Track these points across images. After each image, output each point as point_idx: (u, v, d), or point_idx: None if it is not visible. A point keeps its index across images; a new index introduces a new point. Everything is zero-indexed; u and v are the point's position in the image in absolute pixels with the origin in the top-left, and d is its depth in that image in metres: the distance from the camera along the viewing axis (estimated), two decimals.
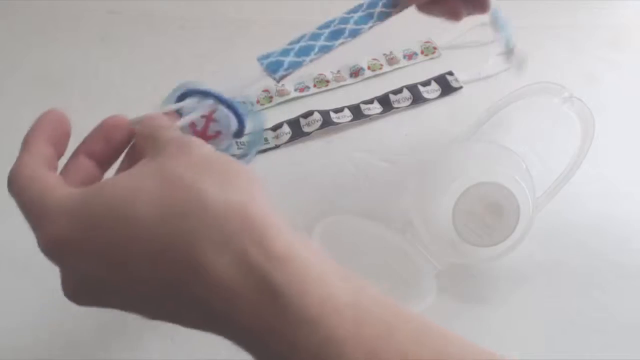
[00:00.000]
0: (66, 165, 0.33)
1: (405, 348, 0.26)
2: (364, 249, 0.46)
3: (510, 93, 0.48)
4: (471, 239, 0.44)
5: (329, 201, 0.52)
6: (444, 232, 0.45)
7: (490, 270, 0.47)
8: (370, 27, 0.38)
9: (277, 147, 0.57)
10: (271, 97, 0.60)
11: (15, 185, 0.30)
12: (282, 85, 0.61)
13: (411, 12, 0.68)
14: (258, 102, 0.60)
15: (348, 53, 0.64)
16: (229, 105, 0.36)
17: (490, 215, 0.44)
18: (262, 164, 0.56)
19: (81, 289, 0.30)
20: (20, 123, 0.59)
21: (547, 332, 0.45)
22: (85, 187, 0.29)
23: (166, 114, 0.35)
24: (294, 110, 0.59)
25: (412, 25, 0.67)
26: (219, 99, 0.36)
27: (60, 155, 0.33)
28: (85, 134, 0.61)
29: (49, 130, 0.33)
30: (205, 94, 0.36)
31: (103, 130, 0.34)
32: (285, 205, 0.52)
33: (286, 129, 0.57)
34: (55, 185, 0.30)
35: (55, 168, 0.32)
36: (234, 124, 0.37)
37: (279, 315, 0.26)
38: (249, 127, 0.38)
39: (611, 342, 0.44)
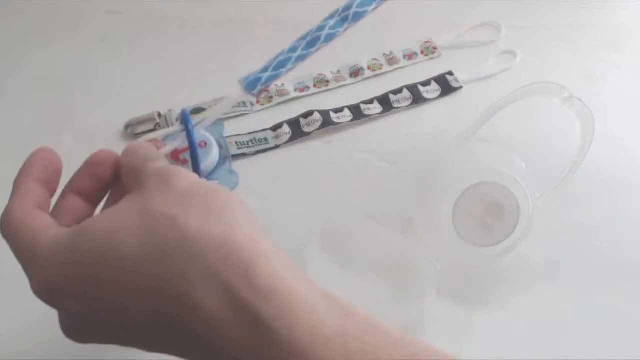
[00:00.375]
0: (56, 204, 0.33)
1: None
2: (364, 249, 0.46)
3: (510, 93, 0.48)
4: (471, 239, 0.44)
5: (329, 201, 0.52)
6: (444, 232, 0.45)
7: (490, 270, 0.47)
8: (345, 30, 0.38)
9: (277, 147, 0.57)
10: (271, 97, 0.60)
11: (7, 231, 0.31)
12: (282, 85, 0.61)
13: (411, 12, 0.68)
14: (258, 102, 0.60)
15: (348, 53, 0.64)
16: (192, 152, 0.36)
17: (490, 215, 0.44)
18: (262, 164, 0.56)
19: (77, 328, 0.31)
20: (20, 123, 0.59)
21: (547, 332, 0.45)
22: (75, 225, 0.30)
23: (152, 141, 0.35)
24: (294, 110, 0.59)
25: (412, 25, 0.68)
26: (190, 142, 0.36)
27: (52, 193, 0.33)
28: (85, 133, 0.61)
29: (39, 170, 0.33)
30: (185, 127, 0.36)
31: (90, 167, 0.34)
32: (285, 205, 0.52)
33: (286, 129, 0.57)
34: (45, 228, 0.30)
35: (47, 207, 0.32)
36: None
37: (269, 349, 0.26)
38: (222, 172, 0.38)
39: (611, 342, 0.44)
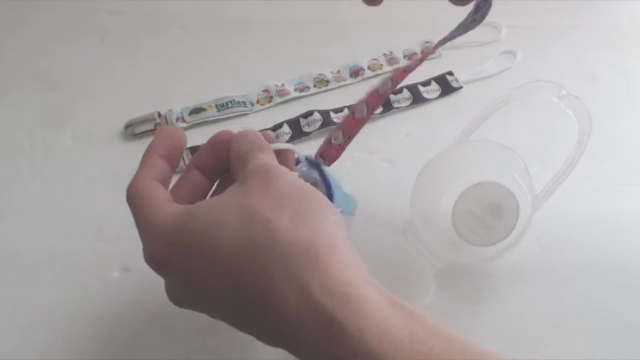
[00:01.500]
0: (180, 177, 0.38)
1: None
2: (364, 249, 0.46)
3: (508, 92, 0.48)
4: (471, 239, 0.44)
5: None
6: (444, 232, 0.45)
7: (490, 270, 0.47)
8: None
9: None
10: (271, 97, 0.60)
11: (132, 199, 0.35)
12: (282, 85, 0.61)
13: (411, 12, 0.68)
14: (258, 102, 0.60)
15: (348, 53, 0.64)
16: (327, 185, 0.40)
17: (490, 214, 0.44)
18: None
19: (176, 296, 0.35)
20: (21, 123, 0.59)
21: (546, 332, 0.45)
22: (190, 203, 0.34)
23: (263, 133, 0.38)
24: (294, 110, 0.59)
25: (412, 25, 0.68)
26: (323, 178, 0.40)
27: (174, 167, 0.37)
28: (85, 133, 0.61)
29: (164, 145, 0.37)
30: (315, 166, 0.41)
31: (210, 145, 0.38)
32: None
33: (286, 129, 0.57)
34: (162, 203, 0.34)
35: (168, 180, 0.37)
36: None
37: (340, 347, 0.28)
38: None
39: (611, 343, 0.44)
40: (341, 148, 0.48)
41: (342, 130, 0.45)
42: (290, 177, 0.33)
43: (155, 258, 0.33)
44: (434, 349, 0.28)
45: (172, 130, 0.38)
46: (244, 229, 0.31)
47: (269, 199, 0.32)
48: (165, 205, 0.34)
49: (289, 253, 0.30)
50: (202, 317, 0.46)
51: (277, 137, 0.57)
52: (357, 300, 0.29)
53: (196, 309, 0.34)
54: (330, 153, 0.45)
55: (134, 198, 0.35)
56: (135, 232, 0.53)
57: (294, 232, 0.30)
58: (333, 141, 0.45)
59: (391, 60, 0.64)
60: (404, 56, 0.64)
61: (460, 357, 0.28)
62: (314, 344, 0.29)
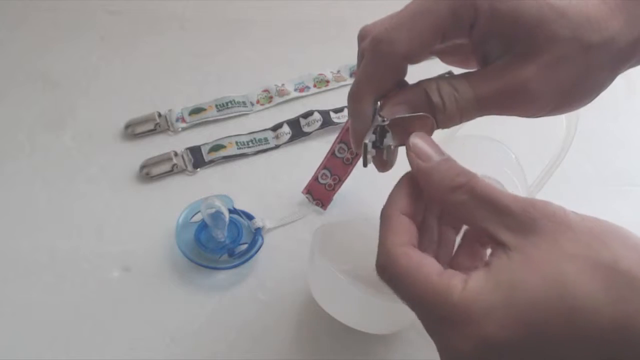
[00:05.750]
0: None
1: None
2: (363, 249, 0.46)
3: None
4: None
5: None
6: None
7: None
8: None
9: (277, 147, 0.57)
10: (271, 97, 0.60)
11: (394, 277, 0.29)
12: (282, 85, 0.61)
13: None
14: (258, 102, 0.60)
15: (348, 53, 0.64)
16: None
17: None
18: (262, 163, 0.56)
19: None
20: (21, 123, 0.59)
21: None
22: (480, 269, 0.27)
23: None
24: (294, 110, 0.59)
25: None
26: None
27: (417, 221, 0.31)
28: (85, 133, 0.61)
29: (409, 198, 0.31)
30: None
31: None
32: (285, 205, 0.52)
33: (286, 129, 0.57)
34: (444, 279, 0.27)
35: (416, 238, 0.30)
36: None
37: None
38: None
39: None
40: (332, 190, 0.49)
41: (327, 169, 0.45)
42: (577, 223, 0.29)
43: (488, 344, 0.26)
44: None
45: (409, 178, 0.32)
46: (601, 278, 0.26)
47: (587, 242, 0.28)
48: (448, 278, 0.27)
49: None
50: (199, 317, 0.46)
51: (277, 137, 0.57)
52: None
53: None
54: (318, 191, 0.44)
55: (396, 272, 0.28)
56: (134, 231, 0.53)
57: None
58: (321, 180, 0.45)
59: None
60: None
61: None
62: None
